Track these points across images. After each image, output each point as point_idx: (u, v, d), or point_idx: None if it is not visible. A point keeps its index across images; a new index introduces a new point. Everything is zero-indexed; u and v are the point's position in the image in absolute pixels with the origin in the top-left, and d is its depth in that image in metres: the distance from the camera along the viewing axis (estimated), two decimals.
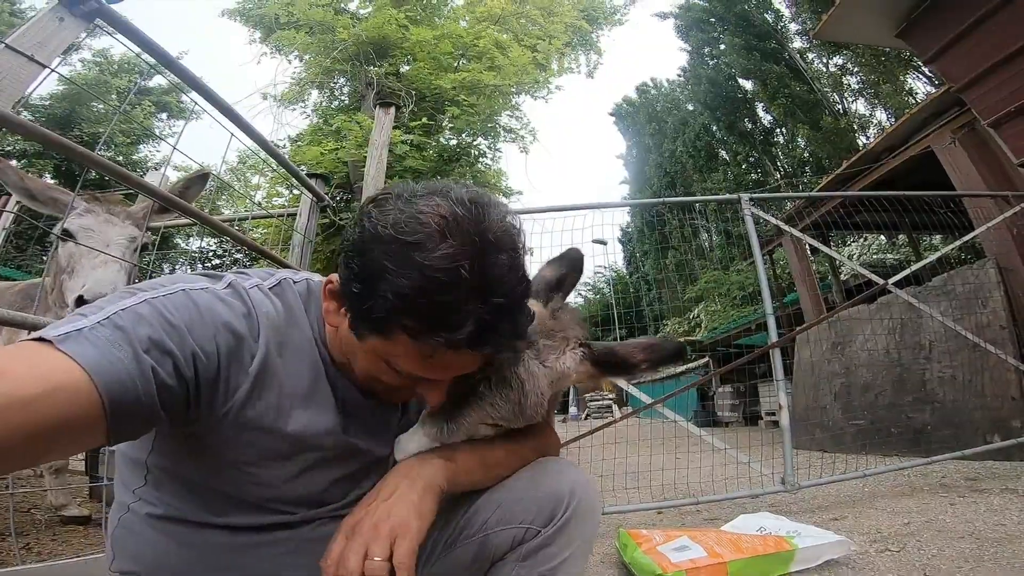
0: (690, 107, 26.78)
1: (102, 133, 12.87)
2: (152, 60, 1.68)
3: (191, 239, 13.15)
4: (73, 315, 0.56)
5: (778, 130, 22.47)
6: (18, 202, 3.94)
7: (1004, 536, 2.04)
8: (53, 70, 1.37)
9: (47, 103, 13.98)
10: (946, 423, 4.12)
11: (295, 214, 2.93)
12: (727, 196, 3.63)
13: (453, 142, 10.25)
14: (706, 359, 14.28)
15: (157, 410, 0.56)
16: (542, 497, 0.81)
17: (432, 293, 0.58)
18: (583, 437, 3.20)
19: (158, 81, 14.89)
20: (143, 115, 14.96)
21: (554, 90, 12.46)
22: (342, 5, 10.93)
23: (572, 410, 19.93)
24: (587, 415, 19.27)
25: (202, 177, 2.06)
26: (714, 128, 24.54)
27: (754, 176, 22.57)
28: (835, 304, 7.35)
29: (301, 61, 10.92)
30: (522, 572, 0.80)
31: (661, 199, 4.06)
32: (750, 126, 23.13)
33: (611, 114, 35.25)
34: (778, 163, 22.43)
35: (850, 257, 11.93)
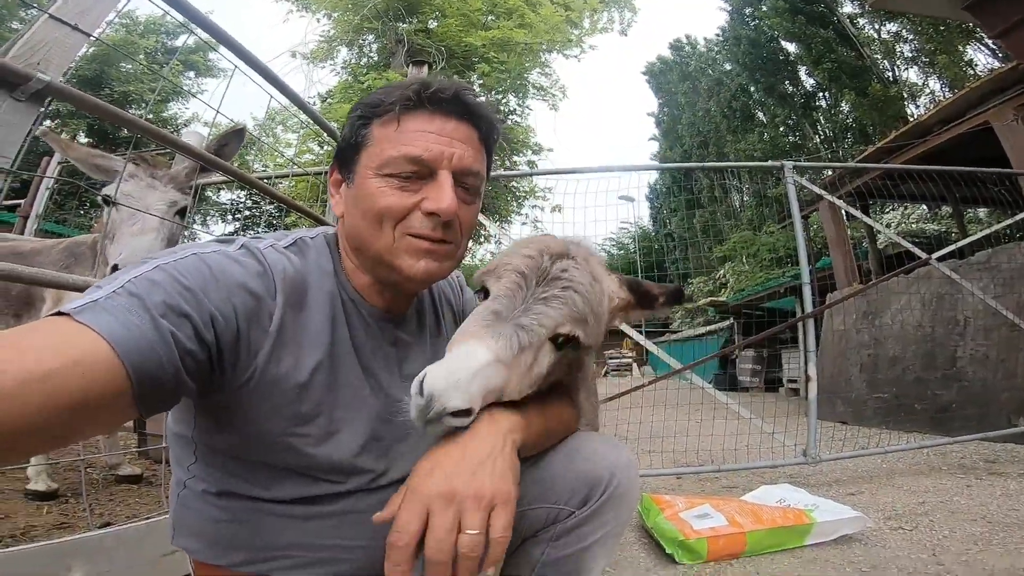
0: (727, 67, 25.64)
1: (131, 92, 12.92)
2: (184, 19, 1.67)
3: (221, 191, 13.38)
4: (90, 288, 0.56)
5: (821, 94, 21.39)
6: (60, 162, 4.09)
7: (1015, 521, 2.06)
8: (98, 38, 1.38)
9: (76, 64, 13.82)
10: (972, 402, 4.08)
11: (324, 171, 2.93)
12: (770, 163, 3.57)
13: (482, 98, 10.06)
14: (730, 321, 14.10)
15: (183, 376, 0.55)
16: (579, 477, 0.79)
17: (379, 95, 0.77)
18: (611, 400, 3.23)
19: (182, 40, 14.79)
20: (172, 74, 15.00)
21: (587, 49, 12.01)
22: None
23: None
24: (606, 372, 19.00)
25: (238, 133, 2.04)
26: (752, 89, 23.50)
27: (792, 139, 21.69)
28: (870, 272, 7.16)
29: (330, 19, 10.72)
30: (553, 552, 0.79)
31: (700, 164, 4.00)
32: (791, 89, 22.03)
33: (644, 72, 33.94)
34: (819, 128, 21.47)
35: (888, 225, 11.48)
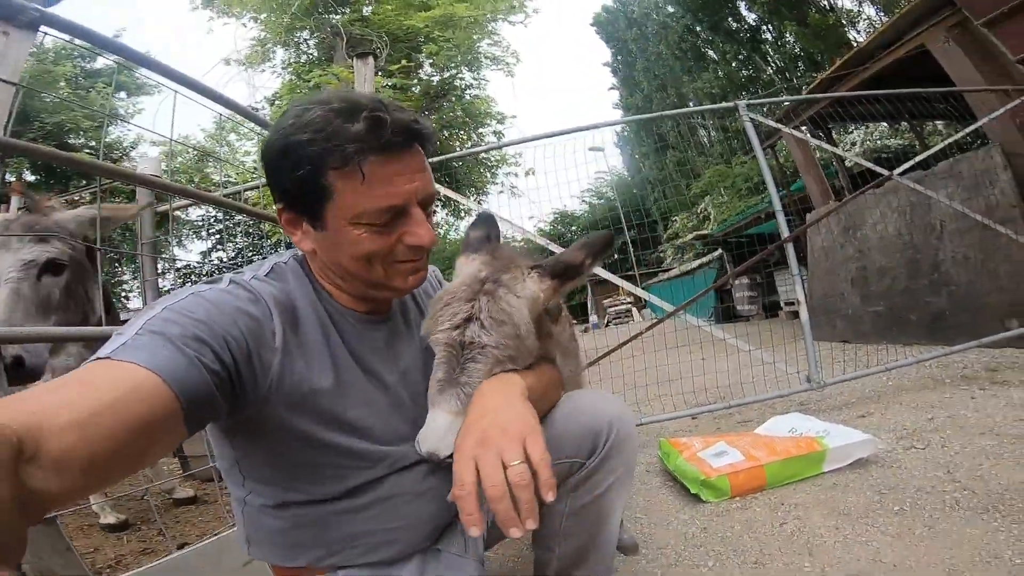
0: (670, 9, 25.45)
1: (64, 122, 12.39)
2: (111, 54, 1.60)
3: (190, 209, 13.05)
4: (112, 338, 0.61)
5: (765, 27, 21.44)
6: (19, 208, 3.97)
7: (1023, 433, 2.05)
8: (26, 87, 1.33)
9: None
10: (963, 308, 4.18)
11: None
12: (724, 105, 3.58)
13: (436, 78, 9.81)
14: (719, 252, 14.11)
15: (215, 394, 0.61)
16: (583, 432, 0.88)
17: (321, 133, 0.71)
18: (613, 352, 3.27)
19: (104, 62, 14.10)
20: (101, 97, 14.32)
21: (531, 13, 11.73)
22: None
23: (592, 319, 20.07)
24: (608, 322, 19.25)
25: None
26: (698, 29, 23.54)
27: (745, 73, 21.92)
28: (842, 189, 7.26)
29: (257, 22, 10.34)
30: (574, 502, 0.90)
31: (658, 113, 4.04)
32: (735, 25, 22.10)
33: (592, 24, 33.43)
34: (769, 60, 21.58)
35: (853, 145, 11.56)
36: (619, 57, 32.58)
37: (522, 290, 0.88)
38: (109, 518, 2.31)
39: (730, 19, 22.14)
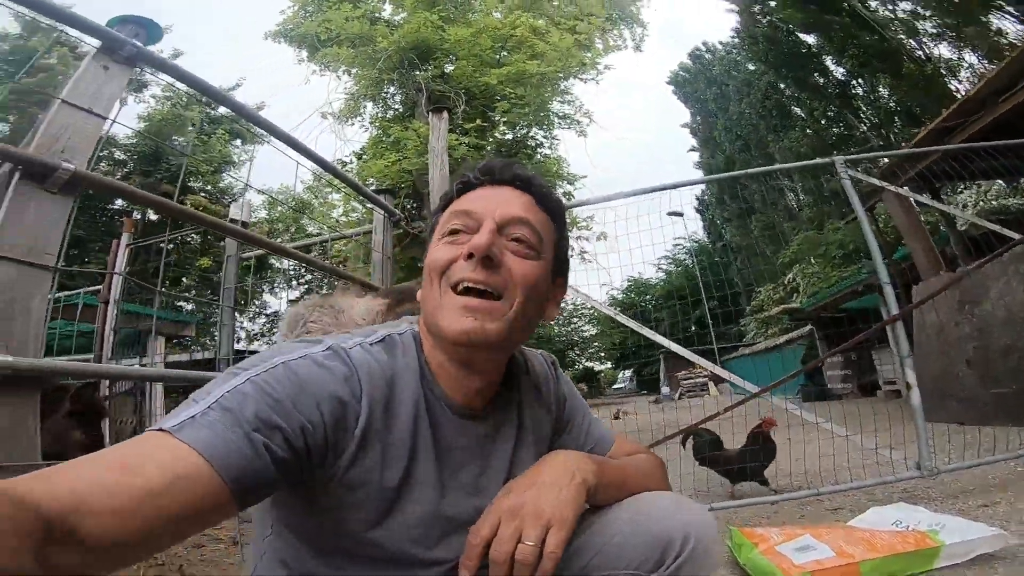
0: (751, 67, 25.30)
1: (188, 164, 13.86)
2: (200, 94, 1.74)
3: (283, 260, 14.13)
4: (186, 402, 0.61)
5: (854, 81, 20.61)
6: (127, 244, 4.42)
7: None
8: (115, 121, 1.42)
9: (133, 141, 15.07)
10: None
11: (367, 231, 3.04)
12: (819, 161, 3.34)
13: (509, 136, 10.20)
14: (809, 327, 13.30)
15: (275, 479, 0.59)
16: (651, 540, 0.76)
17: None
18: (702, 422, 3.01)
19: (225, 110, 15.79)
20: (219, 144, 15.72)
21: (603, 70, 12.08)
22: (376, 15, 11.16)
23: (664, 390, 19.31)
24: (680, 394, 18.40)
25: None
26: (782, 86, 23.14)
27: (837, 131, 20.95)
28: (955, 258, 6.52)
29: (350, 75, 11.27)
30: None
31: (744, 171, 3.80)
32: (821, 80, 21.36)
33: (669, 83, 33.95)
34: (862, 115, 20.59)
35: (964, 207, 10.52)
36: (698, 117, 32.60)
37: (351, 300, 1.17)
38: None
39: (816, 74, 21.41)
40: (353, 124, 11.74)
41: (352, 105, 11.38)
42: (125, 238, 4.51)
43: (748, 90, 25.03)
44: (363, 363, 0.71)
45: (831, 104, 20.90)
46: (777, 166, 4.33)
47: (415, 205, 8.42)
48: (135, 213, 11.57)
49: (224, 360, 2.88)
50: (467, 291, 0.73)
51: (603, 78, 12.07)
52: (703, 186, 28.58)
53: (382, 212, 2.91)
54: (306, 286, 16.84)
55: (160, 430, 0.55)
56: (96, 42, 1.40)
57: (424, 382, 0.78)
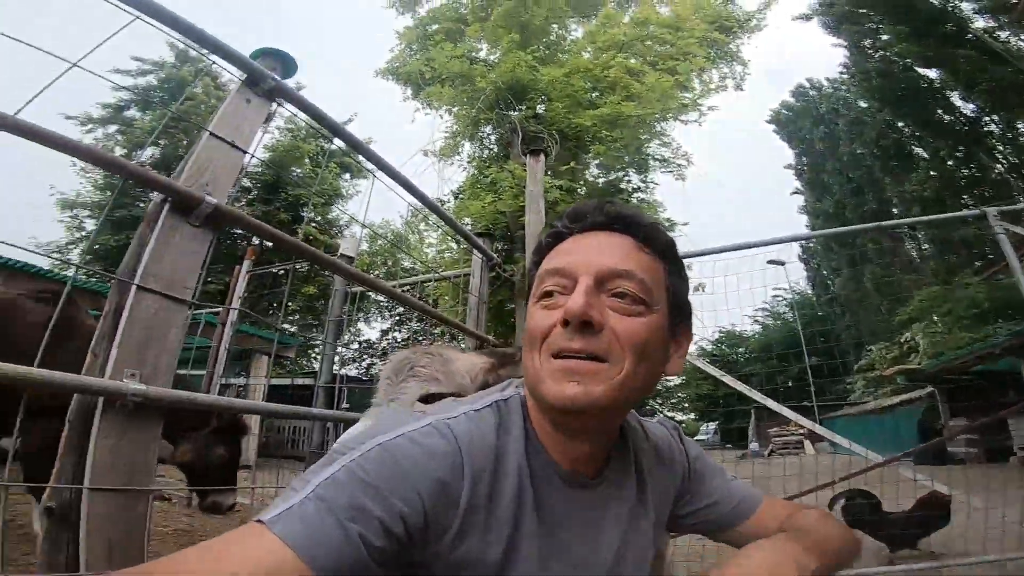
0: (863, 104, 23.49)
1: (302, 196, 15.16)
2: (325, 130, 1.82)
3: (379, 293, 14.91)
4: (286, 491, 0.61)
5: (986, 118, 18.49)
6: (247, 271, 4.85)
7: None
8: (253, 155, 1.45)
9: (258, 171, 16.50)
10: None
11: (466, 273, 3.07)
12: (966, 213, 3.05)
13: (602, 180, 10.13)
14: (929, 389, 11.88)
15: (371, 567, 0.58)
16: None
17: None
18: (816, 490, 2.73)
19: (338, 143, 17.09)
20: (331, 176, 16.86)
21: (706, 111, 11.75)
22: (474, 55, 11.60)
23: (753, 446, 18.05)
24: (770, 451, 17.34)
25: None
26: (900, 124, 21.15)
27: (967, 172, 18.81)
28: None
29: (450, 114, 11.77)
30: None
31: (876, 224, 3.51)
32: (947, 118, 19.32)
33: (769, 122, 32.42)
34: (997, 154, 18.37)
35: None
36: (804, 158, 30.69)
37: (457, 353, 1.20)
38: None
39: (940, 111, 19.39)
40: (452, 163, 12.20)
41: (452, 144, 11.84)
42: (246, 265, 4.98)
43: (860, 129, 23.22)
44: (466, 435, 0.68)
45: (959, 143, 18.87)
46: (912, 219, 3.91)
47: (506, 248, 8.56)
48: (256, 240, 12.76)
49: (323, 388, 3.03)
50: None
51: (706, 119, 11.77)
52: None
53: (480, 256, 2.93)
54: (397, 317, 17.54)
55: (259, 522, 0.57)
56: (239, 73, 1.44)
57: (530, 449, 0.73)
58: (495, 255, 3.01)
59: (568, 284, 0.69)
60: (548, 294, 0.71)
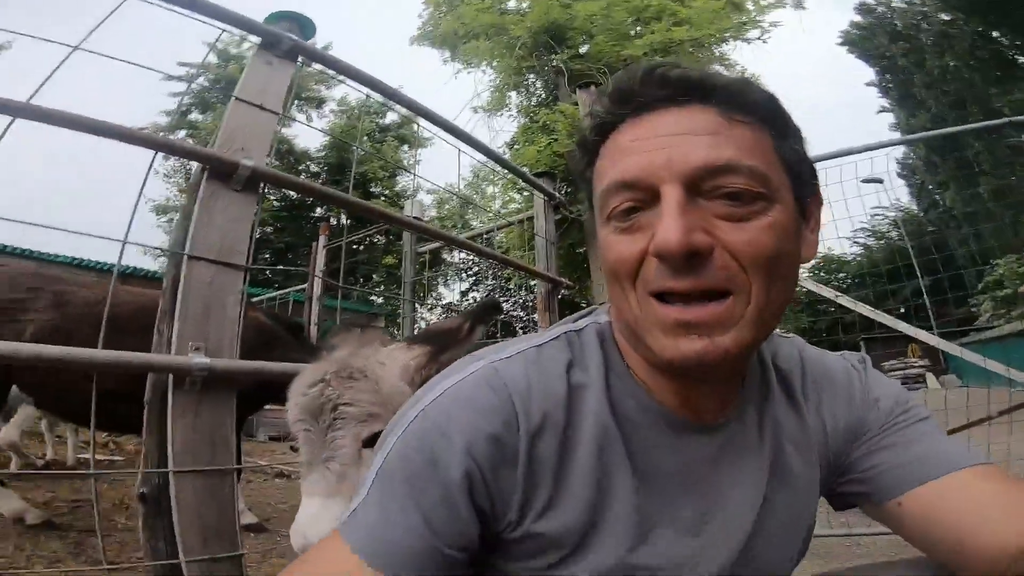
0: (944, 16, 20.98)
1: (365, 171, 15.87)
2: (367, 90, 1.75)
3: (454, 252, 15.30)
4: (366, 474, 0.59)
5: None
6: (324, 245, 5.02)
7: None
8: (284, 115, 1.44)
9: (323, 153, 17.70)
10: None
11: (530, 217, 3.01)
12: None
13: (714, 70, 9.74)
14: None
15: (444, 551, 0.53)
16: None
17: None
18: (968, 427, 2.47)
19: (392, 117, 17.44)
20: (390, 150, 17.52)
21: (768, 28, 10.80)
22: (504, 5, 11.28)
23: None
24: None
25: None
26: (994, 34, 18.65)
27: None
28: None
29: (492, 68, 11.55)
30: None
31: (1003, 120, 3.01)
32: None
33: (841, 44, 29.15)
34: None
35: None
36: (887, 75, 27.60)
37: (390, 360, 0.95)
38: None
39: None
40: (501, 115, 12.04)
41: (498, 97, 11.69)
42: (322, 240, 5.16)
43: (948, 42, 20.81)
44: (521, 380, 0.56)
45: None
46: None
47: (570, 189, 8.42)
48: (331, 219, 13.31)
49: None
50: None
51: (770, 36, 10.80)
52: (903, 149, 24.11)
53: (542, 196, 2.82)
54: (474, 277, 17.89)
55: (335, 530, 0.57)
56: (255, 39, 1.44)
57: (619, 389, 0.59)
58: (557, 195, 2.88)
59: (646, 198, 0.51)
60: (625, 213, 0.52)
